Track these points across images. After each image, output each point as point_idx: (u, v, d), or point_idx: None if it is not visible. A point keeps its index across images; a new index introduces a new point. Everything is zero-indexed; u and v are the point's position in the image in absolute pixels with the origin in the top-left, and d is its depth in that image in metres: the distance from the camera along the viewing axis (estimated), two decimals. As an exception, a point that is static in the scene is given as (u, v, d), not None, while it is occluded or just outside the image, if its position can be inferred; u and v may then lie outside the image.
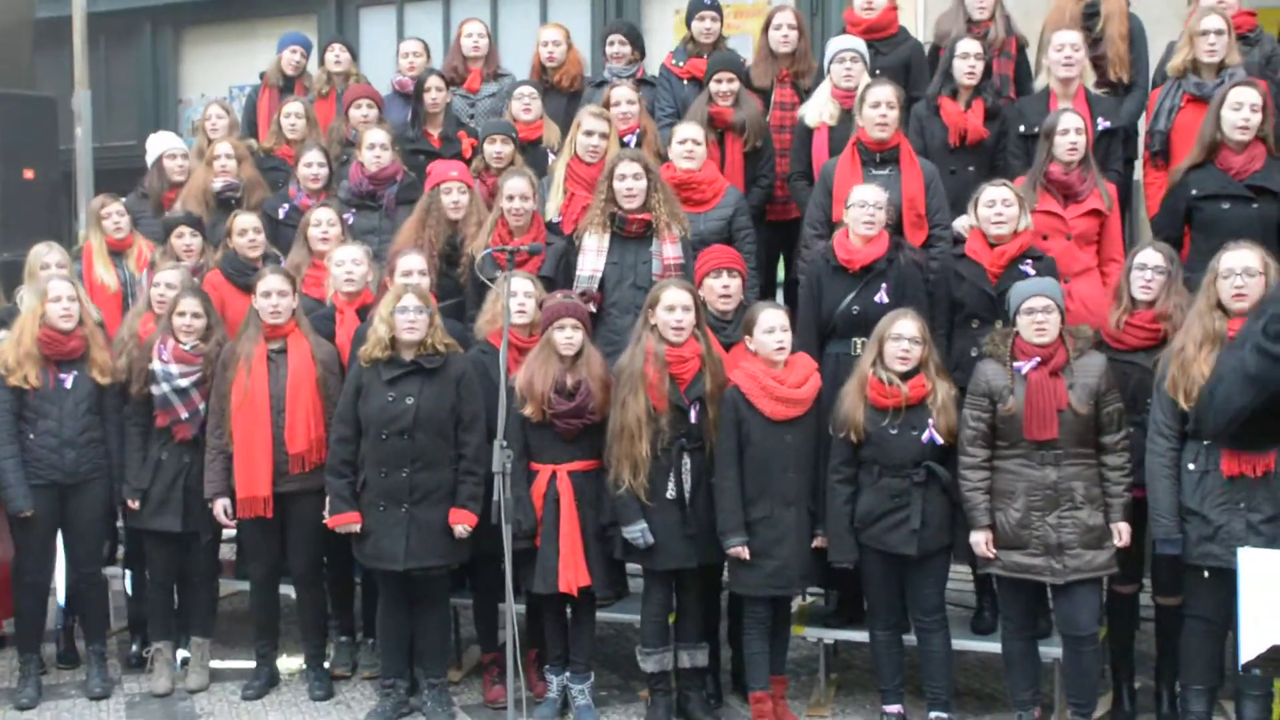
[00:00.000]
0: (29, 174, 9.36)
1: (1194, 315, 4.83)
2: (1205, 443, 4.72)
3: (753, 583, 5.16)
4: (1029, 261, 5.33)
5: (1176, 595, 5.05)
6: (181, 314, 5.76)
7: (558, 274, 5.93)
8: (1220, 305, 4.76)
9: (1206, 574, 4.72)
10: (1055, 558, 4.86)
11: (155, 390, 5.74)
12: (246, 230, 6.35)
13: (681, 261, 5.74)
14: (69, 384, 5.73)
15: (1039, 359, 4.88)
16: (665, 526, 5.18)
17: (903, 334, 4.99)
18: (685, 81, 6.95)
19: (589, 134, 6.22)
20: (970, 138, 6.08)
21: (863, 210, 5.40)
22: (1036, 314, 4.89)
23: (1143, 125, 6.35)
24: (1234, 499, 4.68)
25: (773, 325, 5.12)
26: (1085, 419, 4.87)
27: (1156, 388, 4.86)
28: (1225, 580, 4.62)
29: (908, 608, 5.20)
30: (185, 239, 6.52)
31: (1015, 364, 4.92)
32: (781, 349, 5.12)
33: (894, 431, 5.02)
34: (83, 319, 5.79)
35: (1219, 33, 5.94)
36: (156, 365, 5.72)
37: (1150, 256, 5.13)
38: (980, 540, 4.95)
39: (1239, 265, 4.73)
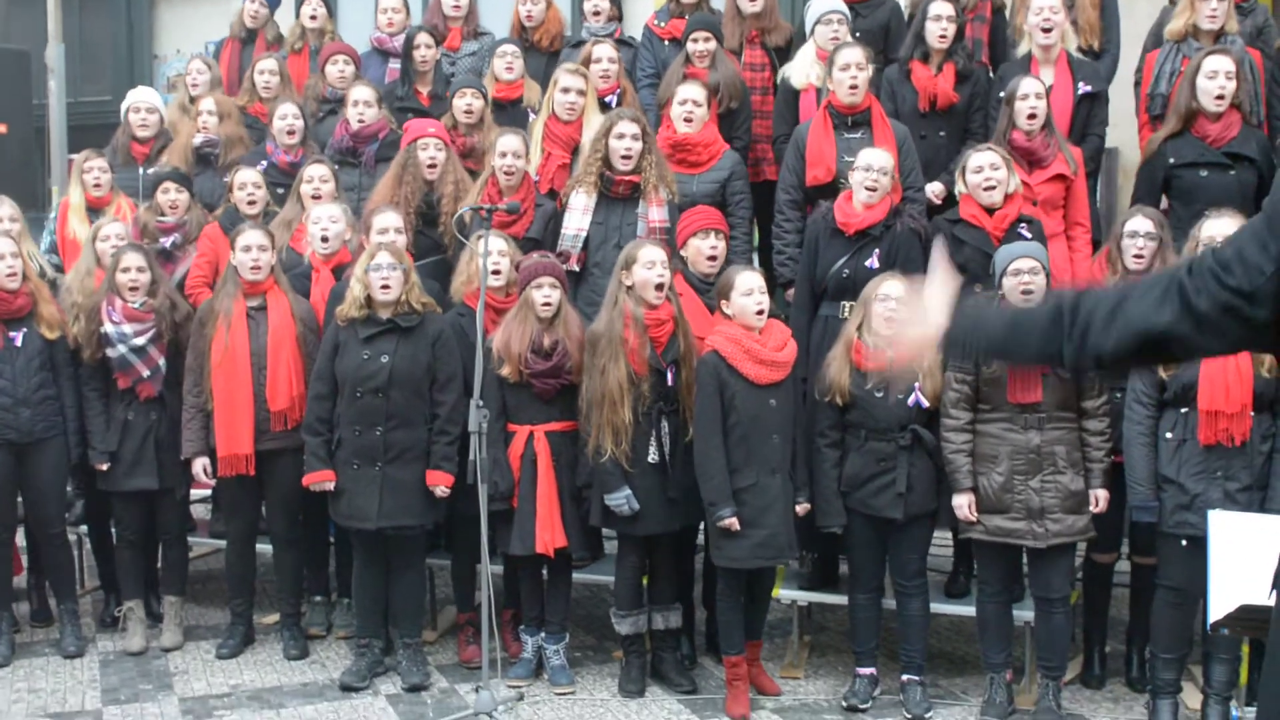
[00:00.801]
0: (1, 128, 9.26)
1: None
2: (1183, 410, 4.74)
3: (740, 554, 5.07)
4: (1024, 225, 5.34)
5: (1154, 555, 5.09)
6: (125, 270, 5.69)
7: (545, 237, 5.89)
8: None
9: (1185, 543, 4.70)
10: (1037, 522, 4.88)
11: (111, 353, 5.67)
12: (246, 185, 6.29)
13: (667, 225, 5.71)
14: (19, 342, 5.65)
15: None
16: (647, 491, 5.16)
17: (890, 294, 4.97)
18: (667, 42, 6.90)
19: (565, 91, 6.18)
20: (940, 102, 6.05)
21: (867, 174, 5.38)
22: (1023, 275, 4.89)
23: (1124, 90, 6.35)
24: (1211, 468, 4.69)
25: (751, 287, 5.09)
26: (1068, 382, 4.88)
27: None
28: (1200, 550, 4.64)
29: (890, 572, 5.22)
30: (170, 194, 6.44)
31: None
32: (761, 311, 5.09)
33: (880, 395, 5.02)
34: (26, 274, 5.72)
35: None
36: (109, 327, 5.65)
37: (1140, 224, 5.12)
38: (963, 503, 4.96)
39: (1220, 233, 4.72)
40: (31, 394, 5.67)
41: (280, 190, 6.42)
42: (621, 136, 5.71)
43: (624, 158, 5.71)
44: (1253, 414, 4.65)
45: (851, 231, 5.41)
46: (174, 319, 5.75)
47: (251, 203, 6.28)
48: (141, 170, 7.03)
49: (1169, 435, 4.78)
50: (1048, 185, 5.64)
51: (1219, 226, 4.75)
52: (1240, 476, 4.67)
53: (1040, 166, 5.63)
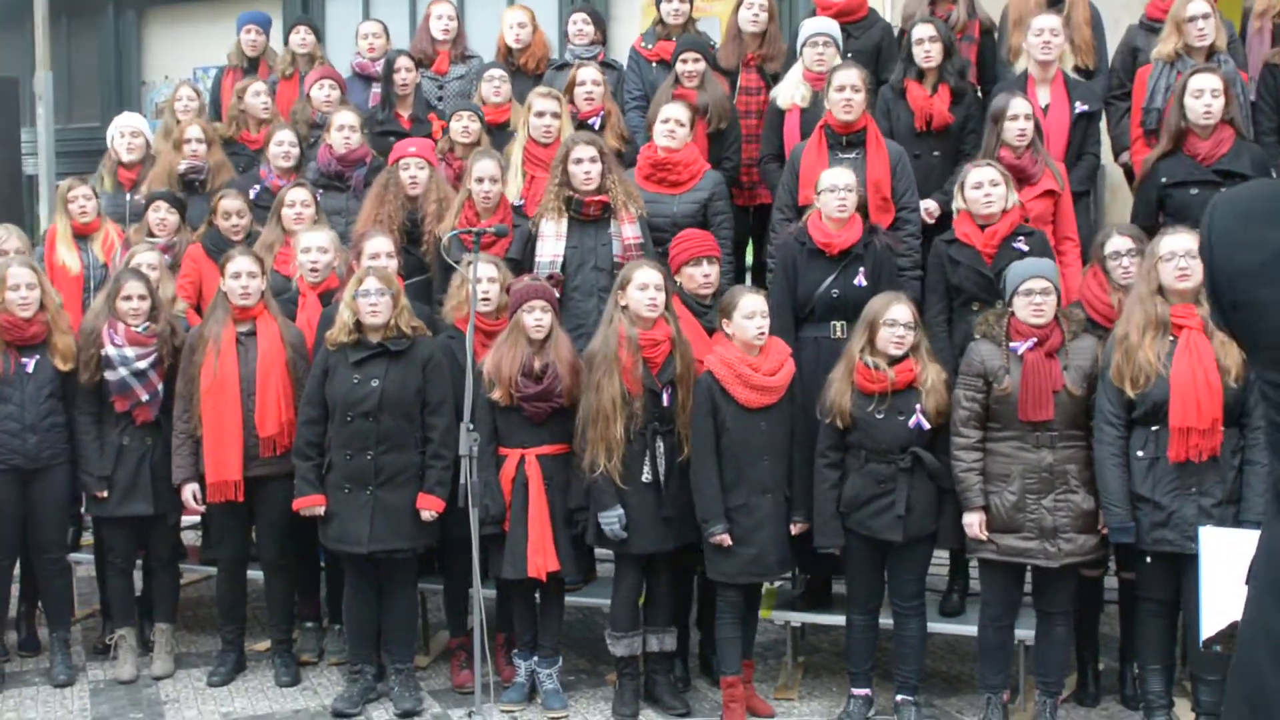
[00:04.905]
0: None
1: (1134, 301, 4.84)
2: (1154, 429, 4.74)
3: (730, 570, 5.13)
4: (1020, 238, 5.34)
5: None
6: (127, 297, 5.67)
7: (525, 256, 5.90)
8: (1160, 290, 4.77)
9: (1150, 559, 4.77)
10: (1049, 541, 4.85)
11: (111, 376, 5.64)
12: (231, 214, 6.31)
13: (641, 241, 5.74)
14: (30, 368, 5.64)
15: (1035, 340, 4.87)
16: (641, 510, 5.17)
17: (897, 319, 4.96)
18: (654, 64, 6.94)
19: (540, 115, 6.20)
20: (936, 122, 6.08)
21: (833, 195, 5.39)
22: (1035, 295, 4.87)
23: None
24: (1185, 484, 4.69)
25: (753, 310, 5.09)
26: (1080, 401, 4.87)
27: (1101, 376, 4.86)
28: (1175, 564, 4.69)
29: (889, 593, 5.20)
30: (161, 213, 6.46)
31: (1011, 344, 4.90)
32: (762, 334, 5.09)
33: (880, 416, 5.00)
34: (44, 304, 5.71)
35: (1205, 16, 5.96)
36: (111, 350, 5.62)
37: (1119, 243, 5.17)
38: (974, 522, 4.93)
39: (1181, 248, 4.74)
40: (40, 420, 5.65)
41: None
42: (579, 161, 5.73)
43: (585, 181, 5.72)
44: (1223, 428, 4.66)
45: (834, 251, 5.42)
46: (174, 344, 5.73)
47: (236, 231, 6.29)
48: (129, 195, 7.04)
49: (1140, 454, 4.76)
50: (1038, 201, 5.66)
51: (1179, 242, 4.75)
52: (1214, 491, 4.67)
53: (1030, 183, 5.65)
